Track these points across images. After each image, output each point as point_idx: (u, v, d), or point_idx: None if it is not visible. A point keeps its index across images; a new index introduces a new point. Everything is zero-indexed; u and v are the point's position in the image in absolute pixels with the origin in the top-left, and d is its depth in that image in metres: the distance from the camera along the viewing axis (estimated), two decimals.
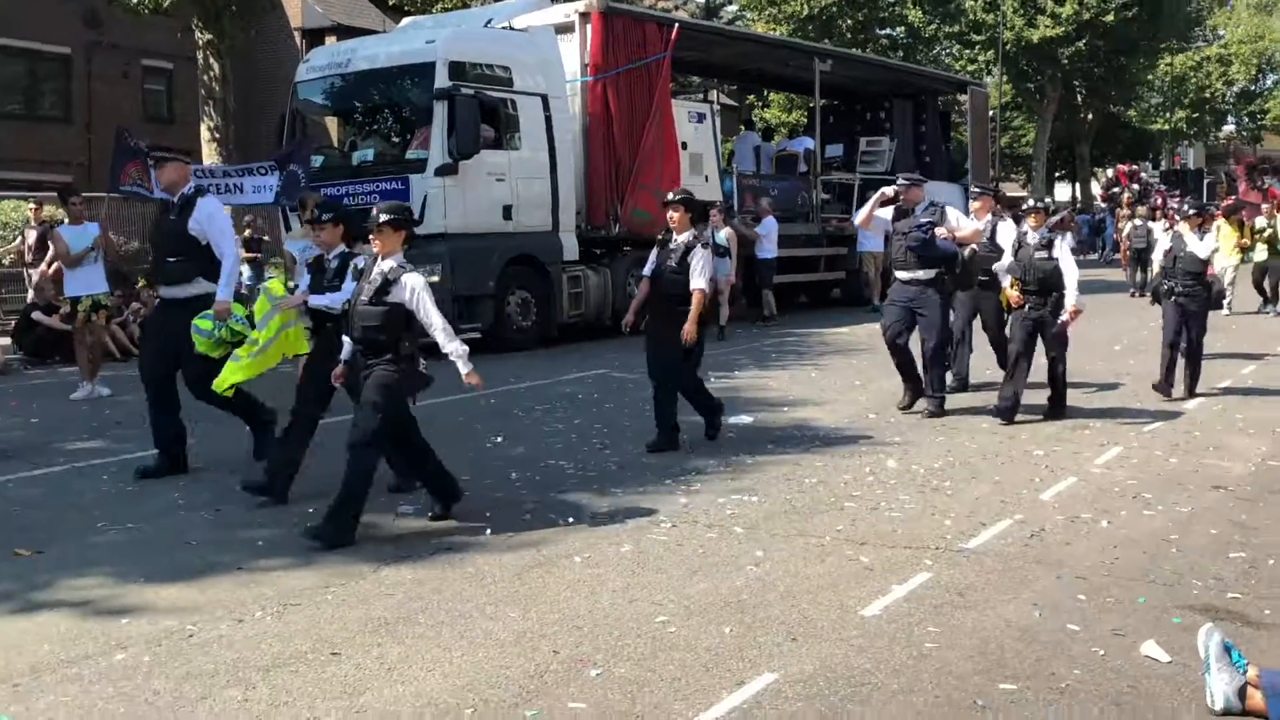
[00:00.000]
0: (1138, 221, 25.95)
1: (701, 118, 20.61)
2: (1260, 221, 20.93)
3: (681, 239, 9.32)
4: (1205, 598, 5.65)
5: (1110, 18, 43.43)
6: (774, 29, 36.96)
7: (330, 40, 30.64)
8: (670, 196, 9.61)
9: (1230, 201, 26.25)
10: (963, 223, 10.75)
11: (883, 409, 11.06)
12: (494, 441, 9.80)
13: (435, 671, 4.79)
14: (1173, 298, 11.67)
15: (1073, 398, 11.49)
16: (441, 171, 15.37)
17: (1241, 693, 4.32)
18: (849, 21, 37.33)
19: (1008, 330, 11.05)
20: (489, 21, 17.66)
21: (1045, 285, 10.20)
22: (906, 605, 5.55)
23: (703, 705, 4.42)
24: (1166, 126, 61.70)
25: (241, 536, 6.99)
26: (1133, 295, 23.46)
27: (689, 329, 9.10)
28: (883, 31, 39.92)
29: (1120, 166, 39.29)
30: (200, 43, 20.54)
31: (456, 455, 9.13)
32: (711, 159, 20.58)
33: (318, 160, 16.42)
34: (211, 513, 7.57)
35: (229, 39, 20.45)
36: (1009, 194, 51.93)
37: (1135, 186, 36.02)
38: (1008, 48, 44.28)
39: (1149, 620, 5.33)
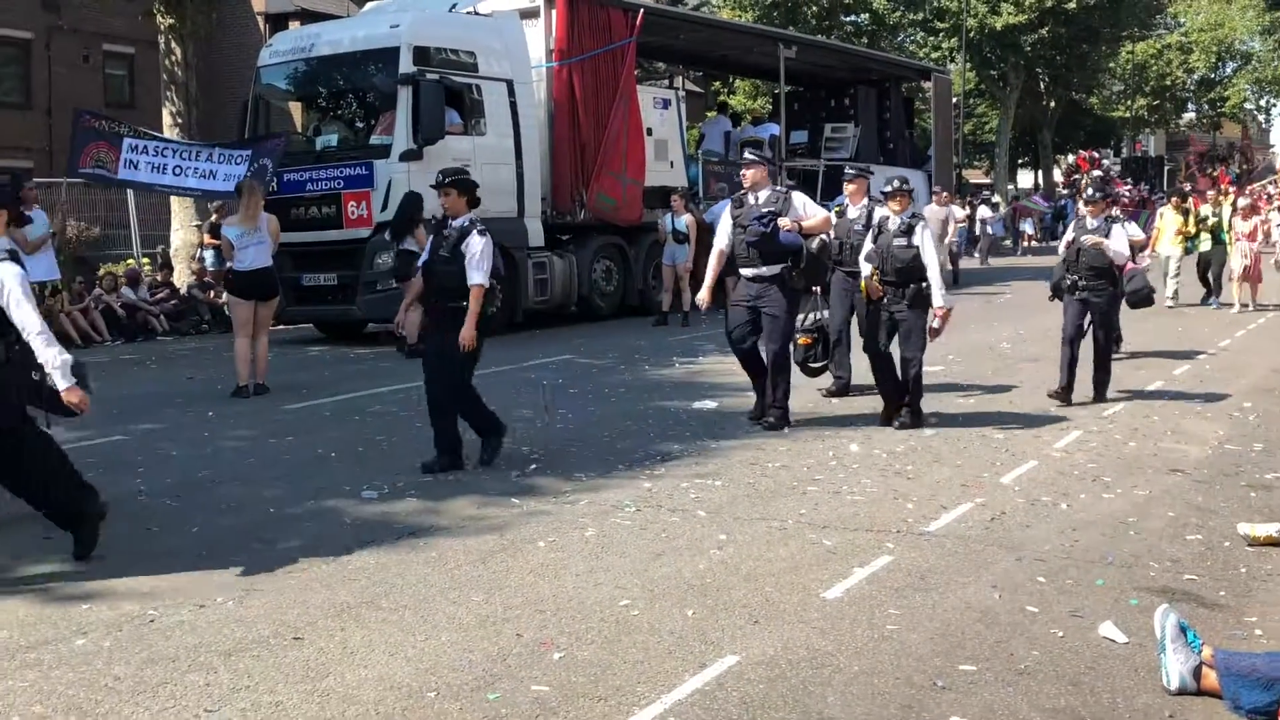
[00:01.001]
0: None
1: (667, 104, 20.61)
2: (1205, 210, 20.35)
3: (456, 224, 8.23)
4: (1162, 579, 5.72)
5: (1073, 5, 43.71)
6: (739, 15, 36.98)
7: (294, 25, 30.43)
8: (440, 178, 8.55)
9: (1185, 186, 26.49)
10: (810, 210, 9.50)
11: (852, 396, 11.11)
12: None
13: (398, 655, 4.79)
14: (1075, 293, 10.62)
15: (1031, 381, 11.61)
16: (406, 157, 15.31)
17: (1196, 672, 4.37)
18: (814, 8, 37.39)
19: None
20: (454, 6, 17.56)
21: (905, 276, 9.34)
22: (868, 588, 5.59)
23: (665, 687, 4.44)
24: (1128, 114, 62.16)
25: (203, 521, 6.95)
26: None
27: (466, 333, 7.95)
28: (847, 18, 40.00)
29: (1081, 153, 39.57)
30: (162, 27, 20.34)
31: (420, 440, 9.13)
32: (677, 145, 20.59)
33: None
34: (173, 499, 7.53)
35: (191, 23, 20.26)
36: (972, 181, 52.27)
37: (1096, 173, 36.29)
38: (971, 35, 44.47)
39: (1107, 602, 5.39)
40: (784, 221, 9.19)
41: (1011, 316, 18.15)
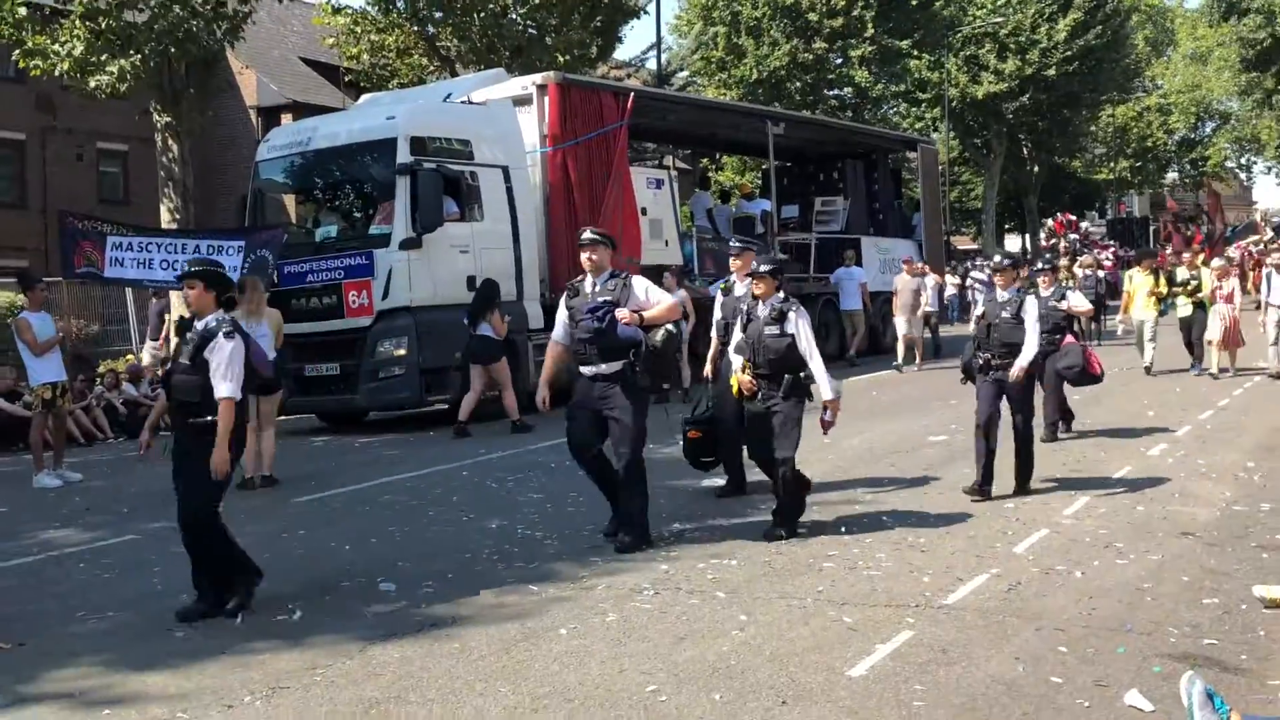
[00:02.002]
0: (1086, 272, 26.35)
1: (660, 184, 20.85)
2: (1182, 273, 18.95)
3: (200, 325, 7.11)
4: (1183, 645, 5.77)
5: (1052, 72, 44.40)
6: (725, 94, 37.45)
7: (286, 118, 30.82)
8: (185, 267, 7.62)
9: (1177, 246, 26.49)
10: (654, 295, 8.37)
11: (851, 466, 11.17)
12: (469, 515, 9.82)
13: None
14: (988, 374, 9.60)
15: (1037, 448, 11.67)
16: (406, 245, 15.47)
17: None
18: (797, 84, 37.85)
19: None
20: (448, 96, 17.84)
21: (778, 368, 8.33)
22: (892, 664, 5.62)
23: None
24: (1111, 176, 62.82)
25: (223, 620, 6.97)
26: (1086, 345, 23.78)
27: (216, 458, 6.85)
28: (831, 93, 40.47)
29: (1059, 217, 39.92)
30: (159, 125, 20.60)
31: (433, 529, 9.19)
32: (671, 224, 20.80)
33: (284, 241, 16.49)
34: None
35: (187, 121, 20.52)
36: (960, 247, 52.70)
37: (1074, 236, 36.55)
38: (953, 104, 45.10)
39: (1130, 670, 5.43)
40: (621, 313, 8.14)
41: None
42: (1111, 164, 62.65)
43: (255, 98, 34.69)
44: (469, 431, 14.86)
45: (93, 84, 19.21)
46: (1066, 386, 12.72)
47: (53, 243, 29.99)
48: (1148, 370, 17.98)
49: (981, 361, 9.66)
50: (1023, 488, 9.68)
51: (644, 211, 19.58)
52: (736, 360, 8.64)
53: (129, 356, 21.20)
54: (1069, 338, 12.47)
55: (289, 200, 18.67)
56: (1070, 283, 27.90)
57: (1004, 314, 9.63)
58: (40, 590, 8.07)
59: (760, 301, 8.49)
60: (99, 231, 15.96)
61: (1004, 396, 9.60)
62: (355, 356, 15.65)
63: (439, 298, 15.84)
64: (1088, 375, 12.30)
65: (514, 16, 24.61)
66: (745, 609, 6.62)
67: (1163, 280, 18.57)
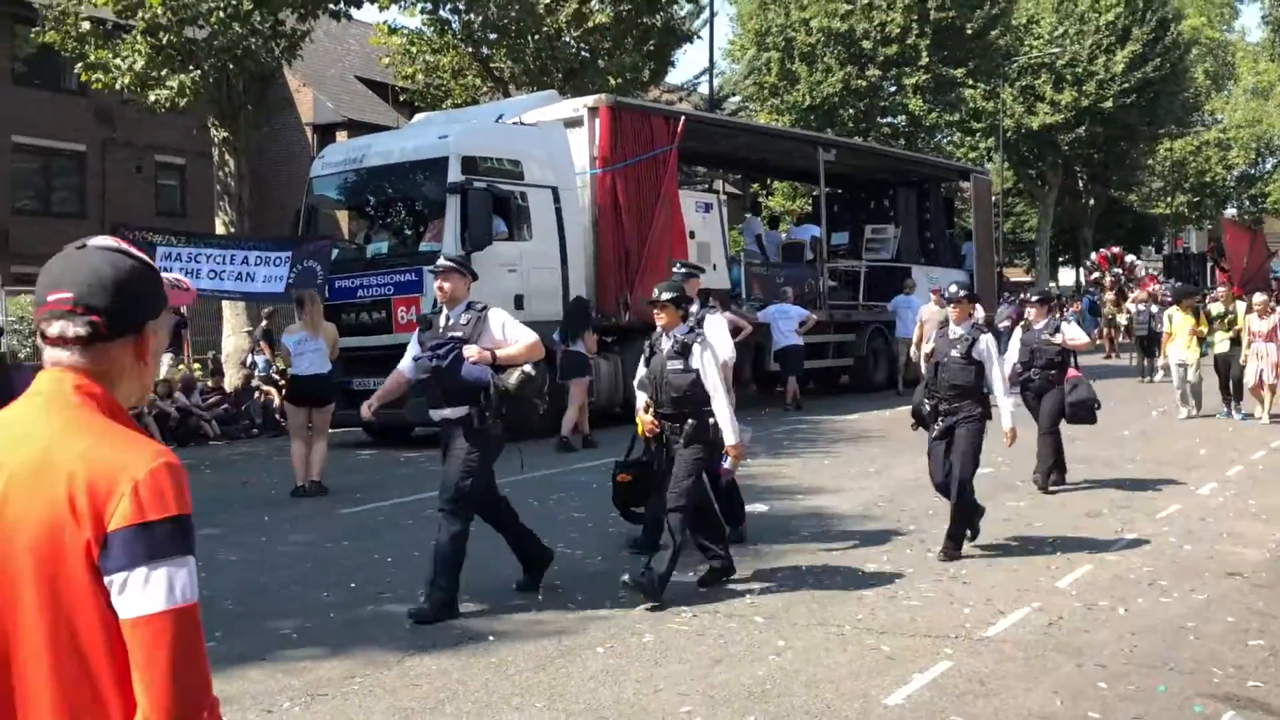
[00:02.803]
0: (1139, 306, 26.12)
1: (708, 208, 20.89)
2: (1217, 308, 18.19)
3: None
4: (1226, 686, 5.69)
5: (1109, 104, 44.06)
6: (777, 119, 37.51)
7: (341, 135, 31.14)
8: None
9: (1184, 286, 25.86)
10: (511, 333, 7.43)
11: (896, 496, 11.12)
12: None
13: None
14: (938, 420, 8.64)
15: (1085, 483, 11.58)
16: None
17: None
18: (851, 111, 37.83)
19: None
20: (500, 117, 18.00)
21: (681, 406, 7.50)
22: (929, 694, 5.59)
23: None
24: (1168, 211, 62.25)
25: (266, 627, 7.04)
26: (1141, 381, 23.52)
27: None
28: (884, 120, 40.42)
29: (1101, 251, 39.50)
30: (216, 140, 20.90)
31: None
32: (719, 248, 20.82)
33: (332, 253, 16.67)
34: (235, 603, 7.62)
35: (244, 136, 20.81)
36: (1013, 279, 52.38)
37: (1118, 270, 36.10)
38: (1008, 135, 44.88)
39: (1170, 709, 5.37)
40: (470, 350, 7.22)
41: None
42: (1169, 198, 62.12)
43: (311, 115, 35.08)
44: (594, 442, 15.38)
45: (152, 98, 19.52)
46: (1065, 433, 11.82)
47: None
48: (1189, 415, 17.23)
49: (929, 407, 8.67)
50: (953, 549, 8.49)
51: (692, 235, 19.63)
52: (640, 399, 7.88)
53: (180, 367, 21.46)
54: (1072, 371, 11.74)
55: (342, 216, 18.89)
56: (1120, 316, 27.35)
57: (953, 353, 8.58)
58: None
59: (665, 333, 7.64)
60: (149, 242, 16.18)
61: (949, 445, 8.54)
62: None
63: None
64: (1094, 412, 11.74)
65: (568, 39, 24.78)
66: (783, 634, 6.60)
67: (1204, 319, 17.82)
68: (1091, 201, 52.77)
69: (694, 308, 8.66)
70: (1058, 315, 12.37)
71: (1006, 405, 8.69)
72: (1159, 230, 65.93)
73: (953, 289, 9.03)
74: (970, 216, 29.88)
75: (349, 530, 10.21)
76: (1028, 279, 54.29)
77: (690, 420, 7.46)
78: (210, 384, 20.07)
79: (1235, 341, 17.21)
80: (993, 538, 9.18)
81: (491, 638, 6.68)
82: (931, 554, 8.57)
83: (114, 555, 1.89)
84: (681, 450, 7.47)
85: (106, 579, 1.90)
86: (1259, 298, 17.30)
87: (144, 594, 1.89)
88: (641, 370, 7.83)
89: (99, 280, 2.05)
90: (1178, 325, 17.64)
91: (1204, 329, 17.55)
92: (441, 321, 7.53)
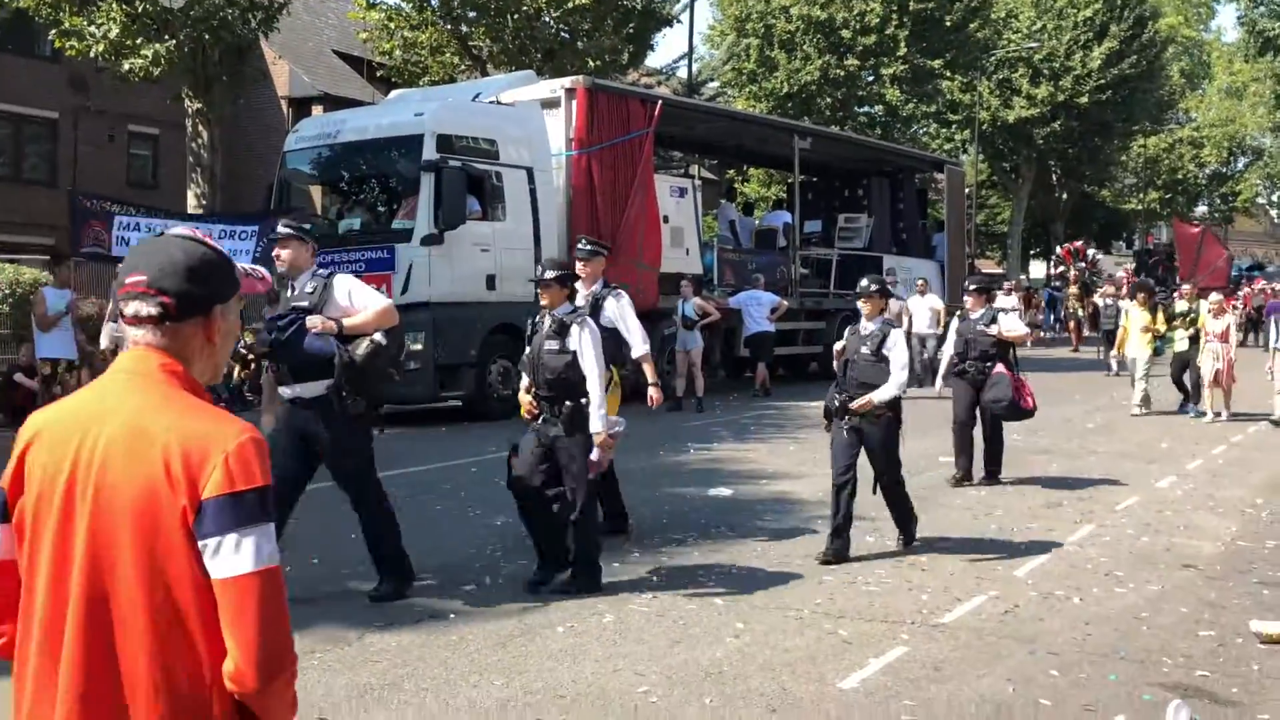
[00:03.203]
0: (1107, 301, 26.29)
1: (683, 192, 20.91)
2: (1181, 305, 18.03)
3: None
4: (1175, 675, 5.78)
5: (1085, 100, 44.32)
6: (754, 106, 37.51)
7: (316, 110, 30.98)
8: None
9: (1135, 279, 26.01)
10: (360, 299, 6.89)
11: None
12: (475, 511, 9.89)
13: None
14: (844, 419, 8.25)
15: (1044, 474, 11.69)
16: (427, 241, 15.56)
17: None
18: (828, 100, 37.85)
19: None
20: (477, 96, 17.96)
21: (559, 390, 7.27)
22: (883, 679, 5.66)
23: None
24: (1140, 207, 62.65)
25: None
26: (1107, 375, 23.68)
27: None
28: (861, 110, 40.46)
29: (1065, 246, 39.78)
30: (190, 110, 20.77)
31: (438, 524, 9.25)
32: (693, 233, 20.86)
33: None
34: None
35: (218, 108, 20.69)
36: (984, 270, 52.62)
37: (1081, 264, 36.36)
38: (984, 127, 45.06)
39: (1120, 697, 5.45)
40: (313, 320, 6.68)
41: None
42: (1141, 195, 62.51)
43: (287, 88, 34.88)
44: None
45: (126, 67, 19.39)
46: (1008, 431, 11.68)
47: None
48: (1140, 412, 17.09)
49: (838, 404, 8.29)
50: (906, 540, 8.45)
51: (666, 219, 19.65)
52: (523, 379, 7.65)
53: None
54: (999, 367, 10.99)
55: (315, 191, 18.80)
56: (1081, 310, 27.36)
57: (864, 349, 8.27)
58: None
59: (546, 313, 7.42)
60: (106, 211, 16.08)
61: (863, 447, 8.22)
62: None
63: (457, 295, 15.94)
64: (1018, 409, 10.93)
65: (547, 20, 24.72)
66: (742, 617, 6.66)
67: (1160, 316, 17.65)
68: (1064, 196, 53.04)
69: (597, 287, 8.52)
70: (1020, 306, 12.19)
71: (893, 387, 8.15)
72: (1130, 226, 66.37)
73: (863, 282, 8.55)
74: (943, 207, 30.02)
75: (312, 506, 10.18)
76: (999, 270, 54.52)
77: (567, 403, 7.22)
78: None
79: (1195, 340, 17.16)
80: (952, 526, 9.27)
81: (452, 616, 6.72)
82: (891, 541, 8.65)
83: (207, 521, 2.11)
84: (564, 438, 7.24)
85: (200, 542, 2.11)
86: (1214, 297, 17.30)
87: (235, 556, 2.11)
88: (527, 351, 7.52)
89: (171, 265, 2.25)
90: (1133, 320, 17.60)
91: (1160, 326, 17.43)
92: (290, 292, 6.99)
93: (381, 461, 12.42)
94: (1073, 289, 34.14)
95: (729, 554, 8.25)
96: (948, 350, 11.41)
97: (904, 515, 8.51)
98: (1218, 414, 16.60)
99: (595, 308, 8.19)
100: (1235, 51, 62.81)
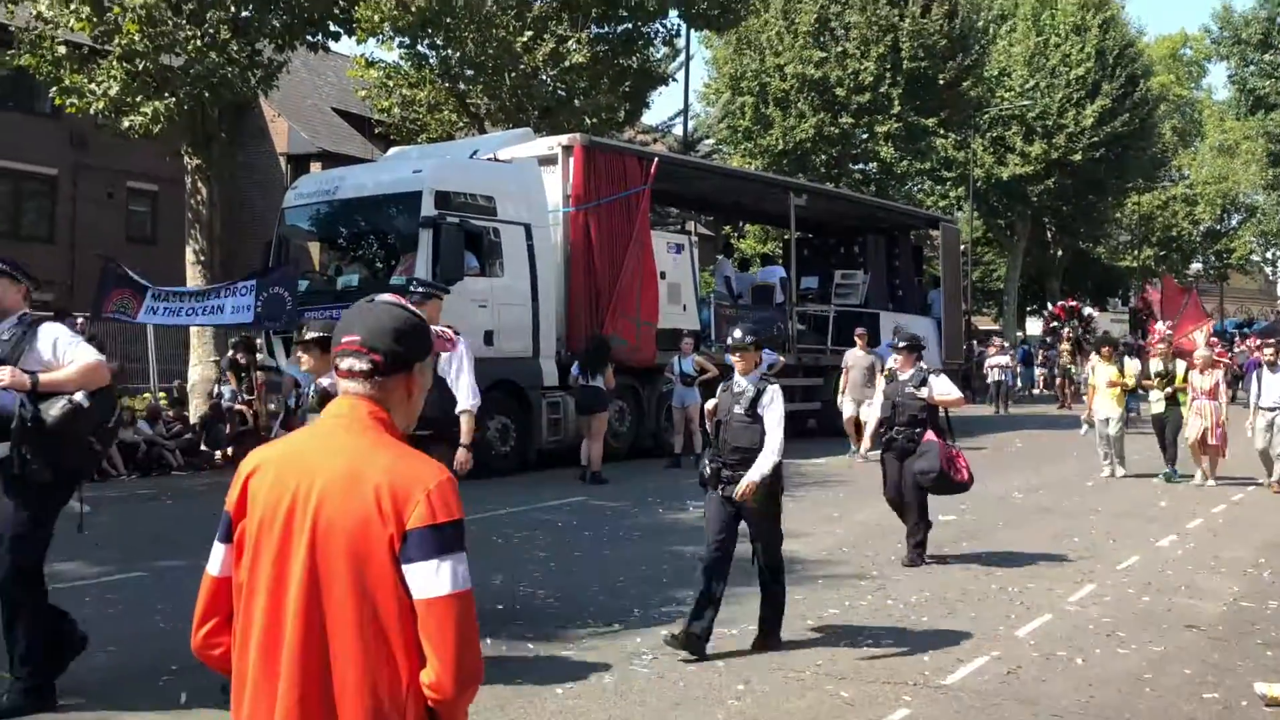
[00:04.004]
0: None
1: (680, 248, 20.98)
2: (1155, 364, 16.75)
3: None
4: None
5: (1078, 157, 44.60)
6: (750, 163, 37.75)
7: (315, 167, 31.14)
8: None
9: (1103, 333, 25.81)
10: (67, 352, 5.97)
11: (860, 541, 11.15)
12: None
13: None
14: (720, 488, 7.31)
15: (1043, 533, 11.65)
16: None
17: None
18: (823, 157, 38.12)
19: None
20: (475, 153, 18.07)
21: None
22: None
23: None
24: (1135, 264, 62.90)
25: None
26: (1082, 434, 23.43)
27: None
28: (856, 167, 40.73)
29: (1060, 304, 39.82)
30: (189, 167, 20.85)
31: None
32: (689, 289, 20.91)
33: (302, 285, 16.66)
34: None
35: (218, 165, 20.78)
36: (981, 327, 52.76)
37: (1076, 323, 36.40)
38: (978, 185, 45.33)
39: None
40: (2, 373, 5.69)
41: (1023, 465, 18.19)
42: (1135, 252, 62.78)
43: (286, 145, 35.08)
44: (605, 478, 15.75)
45: (126, 124, 19.46)
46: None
47: (79, 278, 30.36)
48: (1112, 475, 16.26)
49: (711, 470, 7.36)
50: (769, 639, 7.34)
51: (663, 275, 19.71)
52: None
53: (146, 395, 21.35)
54: (929, 434, 9.96)
55: (313, 247, 18.85)
56: (1072, 369, 26.86)
57: (736, 409, 7.31)
58: None
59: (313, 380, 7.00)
60: (141, 286, 16.16)
61: (740, 520, 7.30)
62: None
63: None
64: (949, 482, 9.85)
65: (545, 78, 24.88)
66: (743, 678, 6.61)
67: (1128, 371, 16.80)
68: (1059, 252, 53.29)
69: (437, 328, 7.45)
70: (924, 367, 10.29)
71: (769, 459, 7.15)
72: (1125, 283, 66.59)
73: (736, 334, 7.52)
74: (939, 264, 30.12)
75: None
76: (995, 327, 54.68)
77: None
78: (173, 414, 19.95)
79: (1172, 400, 16.18)
80: (953, 585, 9.21)
81: None
82: (893, 601, 8.60)
83: (412, 549, 2.47)
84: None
85: (405, 567, 2.47)
86: (1201, 353, 16.45)
87: (435, 580, 2.46)
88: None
89: (380, 327, 2.65)
90: (1099, 376, 16.74)
91: (1127, 381, 16.67)
92: None
93: None
94: (1064, 346, 34.24)
95: (727, 614, 8.17)
96: (874, 414, 10.65)
97: (775, 610, 7.39)
98: (1212, 478, 15.73)
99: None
100: (1226, 109, 63.43)
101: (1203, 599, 8.90)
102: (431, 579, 2.45)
